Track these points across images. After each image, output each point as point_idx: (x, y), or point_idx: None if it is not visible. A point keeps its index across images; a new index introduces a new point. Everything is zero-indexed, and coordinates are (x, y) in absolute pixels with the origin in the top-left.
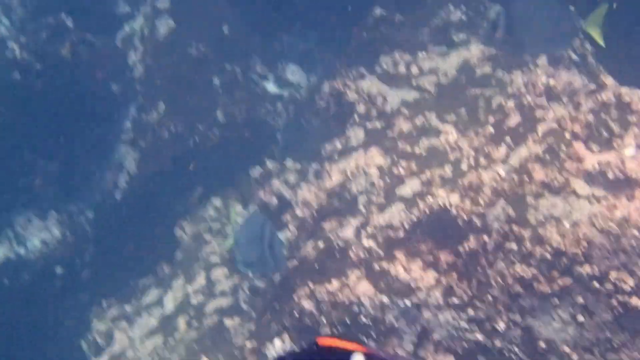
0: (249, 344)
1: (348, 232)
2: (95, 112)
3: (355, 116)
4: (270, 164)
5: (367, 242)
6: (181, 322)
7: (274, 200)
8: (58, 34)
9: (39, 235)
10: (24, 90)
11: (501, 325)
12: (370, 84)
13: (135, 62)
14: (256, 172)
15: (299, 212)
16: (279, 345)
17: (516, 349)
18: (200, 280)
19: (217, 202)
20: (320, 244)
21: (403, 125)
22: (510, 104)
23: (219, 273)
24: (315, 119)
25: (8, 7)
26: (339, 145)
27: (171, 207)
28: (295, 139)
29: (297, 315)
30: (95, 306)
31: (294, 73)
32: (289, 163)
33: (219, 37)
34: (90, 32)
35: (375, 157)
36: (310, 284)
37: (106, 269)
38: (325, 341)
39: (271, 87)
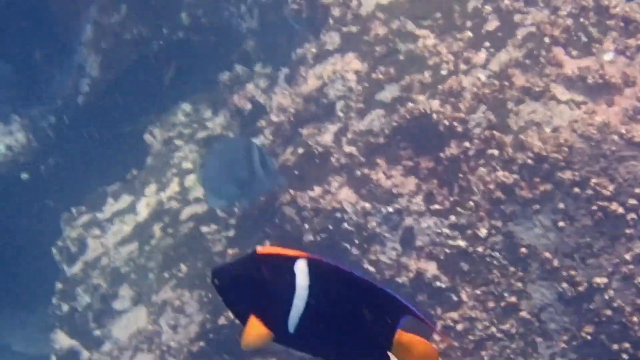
0: (230, 251)
1: (327, 137)
2: (54, 14)
3: (330, 20)
4: (239, 69)
5: (348, 148)
6: (156, 229)
7: (248, 105)
8: None
9: (3, 140)
10: None
11: (483, 232)
12: None
13: None
14: (225, 76)
15: (274, 117)
16: None
17: (497, 255)
18: (174, 186)
19: (186, 107)
20: (299, 150)
21: (379, 29)
22: (488, 7)
23: (193, 179)
24: (286, 22)
25: None
26: (313, 50)
27: (138, 113)
28: (266, 43)
29: (278, 222)
30: (64, 213)
31: None
32: (259, 68)
33: None
34: None
35: (353, 62)
36: (291, 191)
37: (73, 175)
38: (266, 249)
39: None
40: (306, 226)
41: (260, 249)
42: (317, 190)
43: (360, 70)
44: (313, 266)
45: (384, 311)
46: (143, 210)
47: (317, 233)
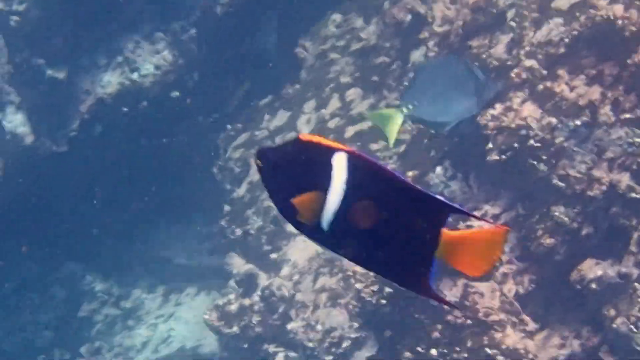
0: (409, 173)
1: (500, 49)
2: None
3: None
4: None
5: (528, 61)
6: None
7: (408, 17)
8: None
9: (151, 60)
10: None
11: None
12: None
13: None
14: None
15: (438, 28)
16: (440, 173)
17: None
18: (334, 102)
19: (336, 17)
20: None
21: None
22: None
23: (353, 93)
24: None
25: None
26: None
27: (284, 25)
28: None
29: (457, 140)
30: (221, 132)
31: None
32: None
33: None
34: None
35: None
36: None
37: (220, 89)
38: (308, 136)
39: None
40: (490, 145)
41: (302, 136)
42: (498, 108)
43: None
44: (353, 161)
45: (427, 211)
46: (303, 127)
47: (502, 152)
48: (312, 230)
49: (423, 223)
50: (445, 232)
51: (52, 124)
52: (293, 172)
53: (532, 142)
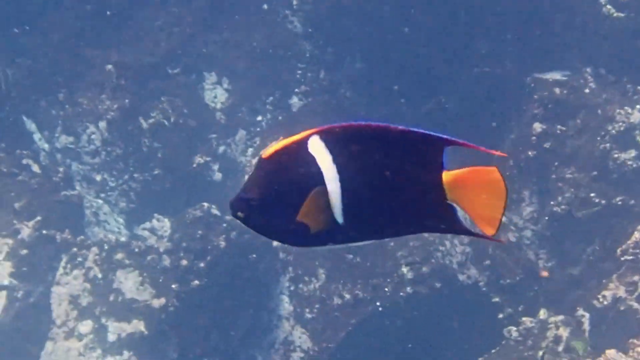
0: None
1: None
2: None
3: None
4: None
5: None
6: None
7: None
8: None
9: None
10: None
11: None
12: None
13: None
14: None
15: None
16: None
17: None
18: None
19: None
20: None
21: None
22: None
23: None
24: None
25: None
26: None
27: None
28: None
29: None
30: None
31: None
32: None
33: None
34: None
35: None
36: None
37: None
38: (270, 149)
39: None
40: None
41: (264, 152)
42: None
43: None
44: (328, 137)
45: (423, 154)
46: None
47: None
48: (331, 232)
49: (423, 169)
50: (445, 173)
51: None
52: (278, 193)
53: None
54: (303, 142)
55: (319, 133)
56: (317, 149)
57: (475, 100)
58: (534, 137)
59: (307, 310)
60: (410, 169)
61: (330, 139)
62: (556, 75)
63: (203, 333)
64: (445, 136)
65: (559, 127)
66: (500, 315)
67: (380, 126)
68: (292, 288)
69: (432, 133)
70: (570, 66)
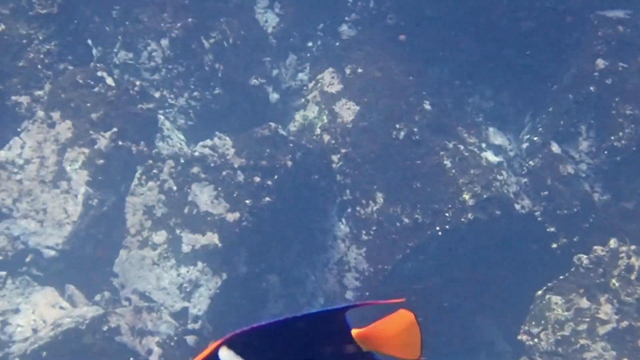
0: None
1: None
2: None
3: None
4: None
5: None
6: None
7: None
8: None
9: None
10: None
11: None
12: None
13: None
14: None
15: None
16: None
17: None
18: None
19: None
20: None
21: None
22: None
23: None
24: None
25: None
26: None
27: None
28: None
29: None
30: None
31: None
32: None
33: None
34: None
35: None
36: None
37: None
38: None
39: None
40: None
41: None
42: None
43: None
44: (235, 344)
45: (328, 329)
46: None
47: None
48: None
49: (336, 342)
50: (354, 331)
51: None
52: None
53: None
54: (213, 355)
55: (226, 342)
56: (228, 357)
57: (535, 36)
58: (596, 73)
59: (364, 232)
60: (321, 345)
61: (238, 345)
62: (620, 14)
63: (266, 249)
64: (341, 306)
65: (620, 64)
66: (554, 245)
67: (280, 321)
68: (349, 210)
69: (328, 309)
70: (634, 6)
